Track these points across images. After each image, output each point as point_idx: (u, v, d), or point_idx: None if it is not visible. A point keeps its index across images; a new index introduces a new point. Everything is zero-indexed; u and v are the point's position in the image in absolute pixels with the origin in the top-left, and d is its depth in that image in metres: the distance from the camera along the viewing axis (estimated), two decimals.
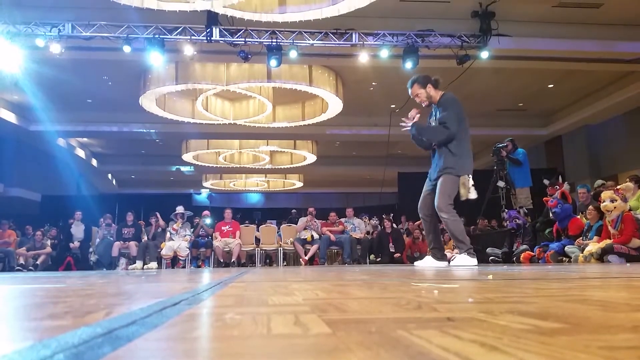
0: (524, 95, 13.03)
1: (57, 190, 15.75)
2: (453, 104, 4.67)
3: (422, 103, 4.81)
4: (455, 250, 6.08)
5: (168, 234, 9.61)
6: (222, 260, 9.42)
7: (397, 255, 9.83)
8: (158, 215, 9.90)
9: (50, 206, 14.68)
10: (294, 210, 13.39)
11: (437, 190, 4.63)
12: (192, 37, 8.67)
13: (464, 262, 4.56)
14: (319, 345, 0.54)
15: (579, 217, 7.00)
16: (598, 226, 6.32)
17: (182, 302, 1.07)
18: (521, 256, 7.18)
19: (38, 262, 9.71)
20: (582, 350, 0.47)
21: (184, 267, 9.44)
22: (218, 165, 17.80)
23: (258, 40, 8.80)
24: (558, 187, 7.16)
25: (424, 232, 5.35)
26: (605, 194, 6.01)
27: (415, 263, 5.28)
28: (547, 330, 0.59)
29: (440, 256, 4.85)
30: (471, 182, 4.61)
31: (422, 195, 4.90)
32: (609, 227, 5.94)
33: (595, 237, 6.16)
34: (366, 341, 0.54)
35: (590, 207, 6.59)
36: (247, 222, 11.92)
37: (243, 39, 8.72)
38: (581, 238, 6.48)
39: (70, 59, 9.48)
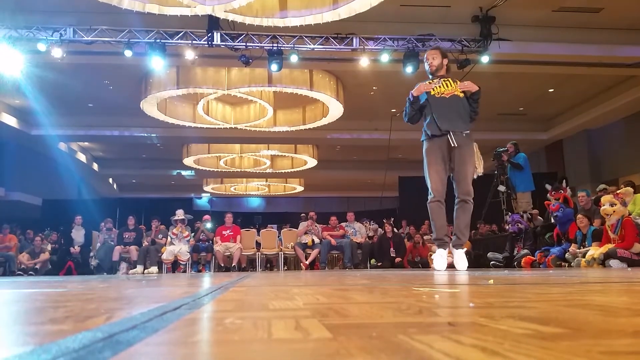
0: (525, 100, 13.04)
1: (58, 195, 15.74)
2: None
3: (432, 67, 4.60)
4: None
5: (169, 239, 9.61)
6: (222, 265, 9.41)
7: (398, 260, 9.81)
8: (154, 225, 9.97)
9: (51, 210, 14.66)
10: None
11: (467, 173, 4.32)
12: (194, 42, 8.70)
13: (464, 259, 4.38)
14: (320, 350, 0.54)
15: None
16: (592, 231, 6.30)
17: (183, 307, 1.07)
18: (522, 261, 7.15)
19: (38, 267, 9.70)
20: (583, 355, 0.47)
21: (184, 271, 9.43)
22: (219, 170, 17.83)
23: (259, 44, 8.83)
24: (562, 192, 7.12)
25: (434, 226, 4.62)
26: (605, 198, 6.00)
27: (438, 266, 4.43)
28: (548, 335, 0.59)
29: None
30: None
31: (444, 176, 4.38)
32: (609, 232, 5.92)
33: (595, 242, 6.14)
34: (367, 346, 0.54)
35: (580, 215, 6.57)
36: (249, 226, 11.92)
37: (244, 44, 8.75)
38: (575, 246, 6.44)
39: (72, 63, 9.51)
